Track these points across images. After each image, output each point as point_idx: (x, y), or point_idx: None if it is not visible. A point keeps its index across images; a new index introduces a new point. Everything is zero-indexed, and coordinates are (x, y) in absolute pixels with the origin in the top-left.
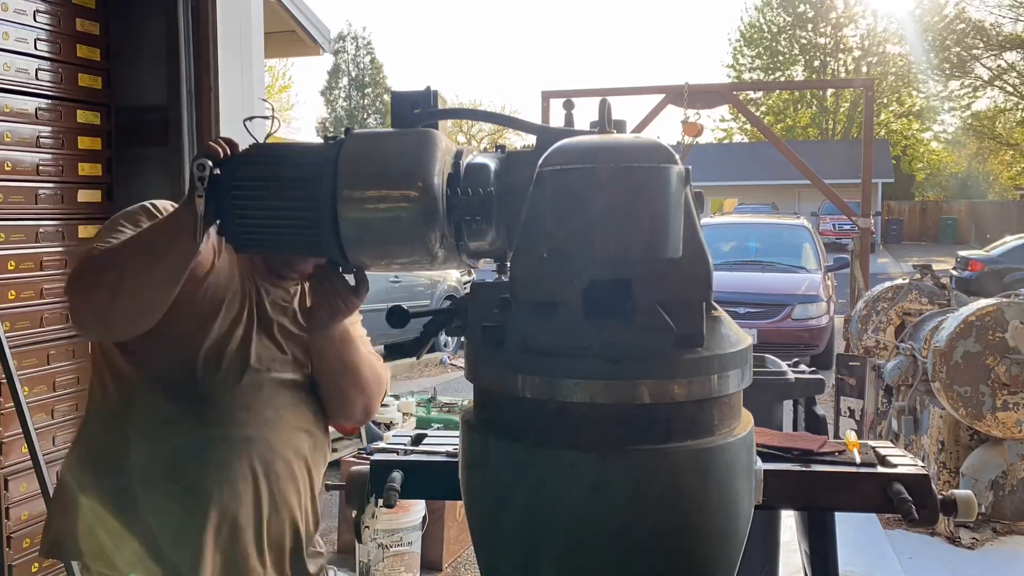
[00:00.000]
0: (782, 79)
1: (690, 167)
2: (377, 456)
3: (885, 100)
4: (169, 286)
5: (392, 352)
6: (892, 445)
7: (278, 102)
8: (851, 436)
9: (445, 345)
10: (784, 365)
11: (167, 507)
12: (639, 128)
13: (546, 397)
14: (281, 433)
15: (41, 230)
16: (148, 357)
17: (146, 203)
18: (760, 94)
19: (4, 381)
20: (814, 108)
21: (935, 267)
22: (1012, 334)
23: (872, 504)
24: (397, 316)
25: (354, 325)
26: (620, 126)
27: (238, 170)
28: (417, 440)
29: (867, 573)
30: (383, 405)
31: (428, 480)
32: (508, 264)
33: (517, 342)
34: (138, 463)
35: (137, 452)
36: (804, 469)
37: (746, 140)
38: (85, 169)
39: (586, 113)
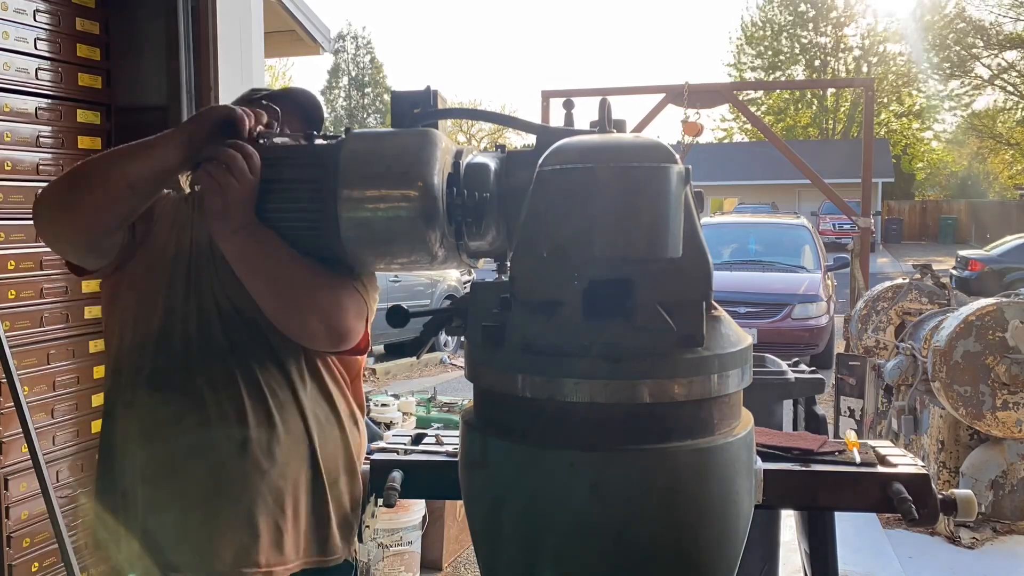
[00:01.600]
0: (783, 78)
1: (690, 167)
2: (377, 456)
3: (885, 100)
4: (140, 188)
5: (392, 352)
6: (892, 445)
7: None
8: (851, 436)
9: (445, 345)
10: (784, 365)
11: (168, 507)
12: (639, 128)
13: (546, 397)
14: (275, 425)
15: None
16: (133, 351)
17: None
18: (760, 94)
19: (4, 381)
20: (814, 108)
21: (935, 267)
22: (1012, 334)
23: (872, 504)
24: (397, 316)
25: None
26: (620, 126)
27: None
28: (417, 440)
29: (867, 573)
30: (383, 405)
31: (428, 480)
32: (508, 264)
33: (517, 342)
34: (134, 463)
35: (134, 452)
36: (804, 469)
37: (746, 140)
38: None
39: (586, 113)
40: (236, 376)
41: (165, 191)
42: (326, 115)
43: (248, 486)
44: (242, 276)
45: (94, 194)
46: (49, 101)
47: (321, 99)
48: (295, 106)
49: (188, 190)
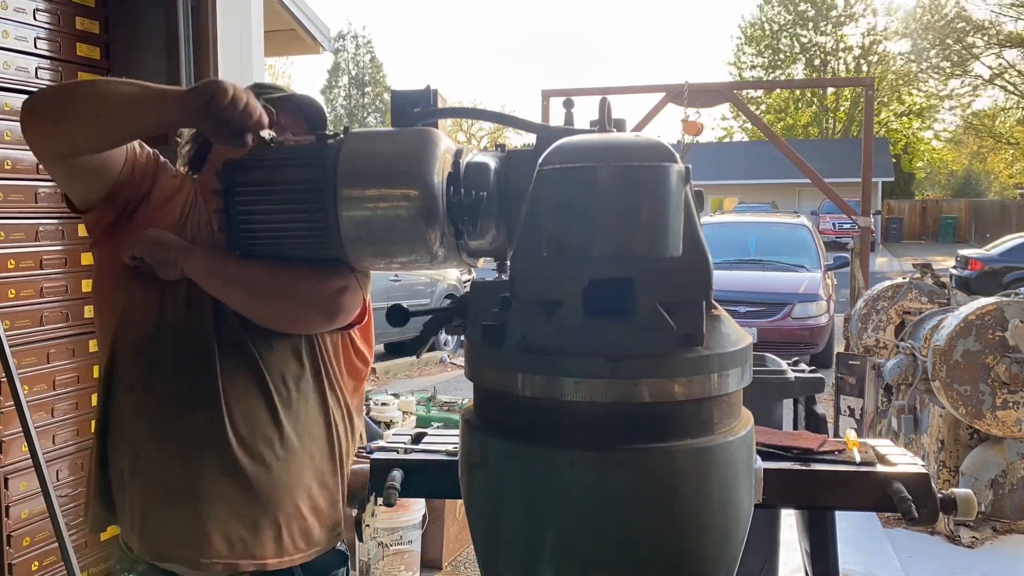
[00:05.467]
0: (783, 78)
1: (690, 166)
2: (377, 455)
3: (885, 99)
4: (126, 128)
5: (392, 351)
6: (892, 444)
7: None
8: (851, 435)
9: (445, 344)
10: (784, 364)
11: (161, 494)
12: (639, 127)
13: (546, 396)
14: (281, 423)
15: (41, 229)
16: (133, 332)
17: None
18: (760, 93)
19: (4, 380)
20: (814, 107)
21: (935, 266)
22: (1012, 333)
23: (872, 503)
24: (397, 315)
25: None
26: (620, 125)
27: (238, 177)
28: (417, 439)
29: (867, 572)
30: (383, 404)
31: (428, 479)
32: (508, 263)
33: (517, 341)
34: (132, 447)
35: (132, 435)
36: (804, 468)
37: (746, 139)
38: None
39: (586, 112)
40: (248, 366)
41: (164, 163)
42: (326, 114)
43: (251, 481)
44: (216, 292)
45: (84, 118)
46: None
47: (321, 100)
48: (299, 111)
49: (185, 169)
